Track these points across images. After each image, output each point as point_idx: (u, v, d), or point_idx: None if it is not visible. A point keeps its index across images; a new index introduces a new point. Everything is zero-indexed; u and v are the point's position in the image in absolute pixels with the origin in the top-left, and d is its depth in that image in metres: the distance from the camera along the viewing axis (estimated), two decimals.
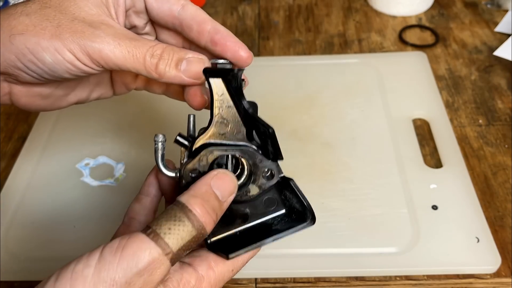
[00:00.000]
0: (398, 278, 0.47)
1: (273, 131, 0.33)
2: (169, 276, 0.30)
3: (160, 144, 0.35)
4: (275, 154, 0.34)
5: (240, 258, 0.33)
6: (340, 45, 0.74)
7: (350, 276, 0.47)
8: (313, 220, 0.34)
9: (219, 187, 0.31)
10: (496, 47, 0.67)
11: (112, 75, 0.41)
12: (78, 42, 0.32)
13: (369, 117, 0.61)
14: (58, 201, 0.55)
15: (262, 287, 0.48)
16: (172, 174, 0.35)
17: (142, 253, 0.27)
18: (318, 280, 0.47)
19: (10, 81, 0.35)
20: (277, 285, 0.48)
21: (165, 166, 0.35)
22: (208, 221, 0.30)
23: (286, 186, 0.35)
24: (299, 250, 0.49)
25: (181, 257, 0.29)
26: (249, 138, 0.34)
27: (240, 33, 0.77)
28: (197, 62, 0.34)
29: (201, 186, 0.31)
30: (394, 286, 0.47)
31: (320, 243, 0.49)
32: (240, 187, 0.34)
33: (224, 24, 0.79)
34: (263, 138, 0.34)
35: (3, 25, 0.33)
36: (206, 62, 0.35)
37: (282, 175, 0.35)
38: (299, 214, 0.35)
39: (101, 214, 0.53)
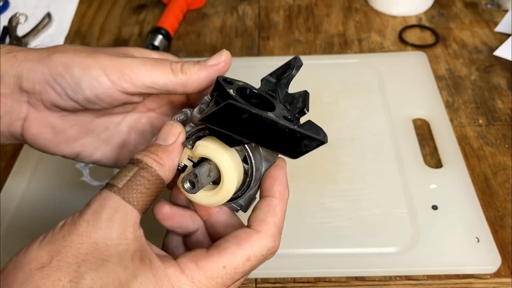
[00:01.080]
0: (398, 278, 0.47)
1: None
2: (155, 262, 0.30)
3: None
4: None
5: (238, 256, 0.31)
6: (340, 45, 0.74)
7: (350, 276, 0.47)
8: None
9: (160, 136, 0.33)
10: (496, 47, 0.67)
11: (126, 145, 0.41)
12: (110, 60, 0.35)
13: (369, 117, 0.61)
14: (58, 201, 0.55)
15: (262, 287, 0.48)
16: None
17: (93, 197, 0.31)
18: (318, 280, 0.47)
19: (32, 102, 0.36)
20: (277, 285, 0.48)
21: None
22: (148, 160, 0.32)
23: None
24: (299, 250, 0.49)
25: (144, 203, 0.31)
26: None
27: (240, 33, 0.77)
28: (217, 54, 0.36)
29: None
30: (394, 286, 0.47)
31: (320, 243, 0.49)
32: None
33: (224, 24, 0.79)
34: None
35: (49, 48, 0.36)
36: (226, 52, 0.37)
37: None
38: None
39: None
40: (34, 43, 0.77)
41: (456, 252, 0.48)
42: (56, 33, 0.79)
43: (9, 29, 0.78)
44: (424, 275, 0.47)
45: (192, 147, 0.33)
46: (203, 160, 0.33)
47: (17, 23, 0.80)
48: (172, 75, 0.35)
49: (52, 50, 0.36)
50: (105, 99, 0.35)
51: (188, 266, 0.30)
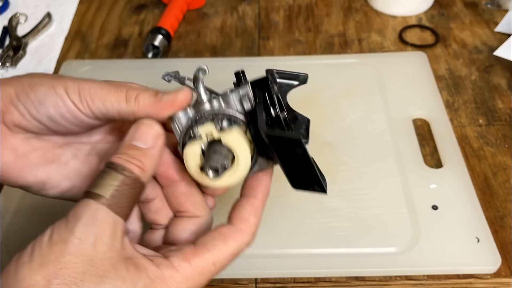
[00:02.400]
0: (398, 278, 0.47)
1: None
2: (145, 264, 0.30)
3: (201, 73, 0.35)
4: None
5: (224, 251, 0.33)
6: (340, 45, 0.74)
7: (350, 276, 0.47)
8: None
9: (137, 136, 0.33)
10: (496, 47, 0.67)
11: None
12: (73, 81, 0.34)
13: (369, 117, 0.61)
14: (58, 201, 0.54)
15: (262, 287, 0.48)
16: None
17: (79, 208, 0.30)
18: (318, 280, 0.47)
19: None
20: (277, 285, 0.48)
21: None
22: (131, 166, 0.32)
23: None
24: (299, 250, 0.49)
25: (128, 211, 0.31)
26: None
27: (240, 33, 0.77)
28: (174, 92, 0.35)
29: (121, 144, 0.33)
30: (394, 286, 0.47)
31: (320, 243, 0.49)
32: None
33: (224, 24, 0.79)
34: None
35: (24, 74, 0.35)
36: (185, 90, 0.35)
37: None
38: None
39: None
40: (34, 43, 0.77)
41: (456, 252, 0.48)
42: (56, 33, 0.79)
43: (9, 29, 0.78)
44: (424, 275, 0.47)
45: (219, 128, 0.34)
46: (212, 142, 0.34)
47: (17, 23, 0.80)
48: (125, 103, 0.34)
49: (24, 75, 0.35)
50: (69, 119, 0.35)
51: (182, 265, 0.31)
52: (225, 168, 0.33)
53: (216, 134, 0.34)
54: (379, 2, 0.79)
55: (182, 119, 0.34)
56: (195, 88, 0.35)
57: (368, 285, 0.47)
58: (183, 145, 0.34)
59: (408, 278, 0.47)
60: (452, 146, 0.57)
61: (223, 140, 0.33)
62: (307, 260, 0.48)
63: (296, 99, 0.64)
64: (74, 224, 0.29)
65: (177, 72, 0.37)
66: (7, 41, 0.77)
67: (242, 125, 0.34)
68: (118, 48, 0.75)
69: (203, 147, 0.34)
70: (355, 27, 0.77)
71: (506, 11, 0.77)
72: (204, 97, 0.34)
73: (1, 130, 0.35)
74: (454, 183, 0.53)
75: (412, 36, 0.74)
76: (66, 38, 0.78)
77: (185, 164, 0.34)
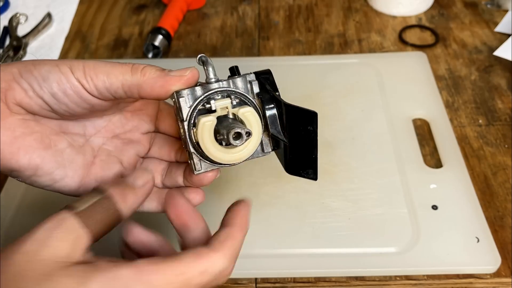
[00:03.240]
0: (398, 278, 0.47)
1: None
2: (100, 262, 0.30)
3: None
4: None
5: (189, 263, 0.31)
6: (340, 45, 0.74)
7: (350, 276, 0.47)
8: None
9: (130, 176, 0.35)
10: (496, 47, 0.67)
11: (91, 166, 0.40)
12: (79, 61, 0.35)
13: (369, 117, 0.61)
14: (59, 201, 0.54)
15: (262, 287, 0.48)
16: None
17: (51, 216, 0.31)
18: (318, 280, 0.47)
19: None
20: (277, 285, 0.48)
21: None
22: (113, 192, 0.33)
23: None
24: (299, 250, 0.49)
25: (99, 230, 0.31)
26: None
27: (240, 33, 0.77)
28: (187, 69, 0.35)
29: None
30: (394, 286, 0.47)
31: (320, 243, 0.49)
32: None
33: (224, 24, 0.79)
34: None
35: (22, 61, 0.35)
36: (194, 68, 0.36)
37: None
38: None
39: None
40: (35, 43, 0.77)
41: (456, 252, 0.48)
42: (56, 33, 0.79)
43: (9, 29, 0.78)
44: (424, 275, 0.47)
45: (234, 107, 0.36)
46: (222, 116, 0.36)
47: (17, 23, 0.80)
48: (130, 74, 0.34)
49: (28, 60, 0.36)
50: (72, 97, 0.35)
51: (145, 268, 0.29)
52: (249, 135, 0.34)
53: (232, 109, 0.35)
54: (379, 2, 0.79)
55: (191, 95, 0.35)
56: (205, 69, 0.36)
57: (368, 285, 0.47)
58: (193, 120, 0.35)
59: (408, 278, 0.47)
60: (452, 146, 0.57)
61: (240, 115, 0.35)
62: (307, 260, 0.48)
63: (296, 99, 0.64)
64: (38, 228, 0.29)
65: None
66: (7, 41, 0.77)
67: (252, 105, 0.36)
68: (118, 48, 0.75)
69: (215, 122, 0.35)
70: (355, 27, 0.77)
71: (506, 11, 0.77)
72: (214, 77, 0.36)
73: (1, 109, 0.34)
74: (454, 183, 0.53)
75: (412, 36, 0.74)
76: (66, 38, 0.78)
77: (199, 136, 0.35)
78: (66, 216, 0.30)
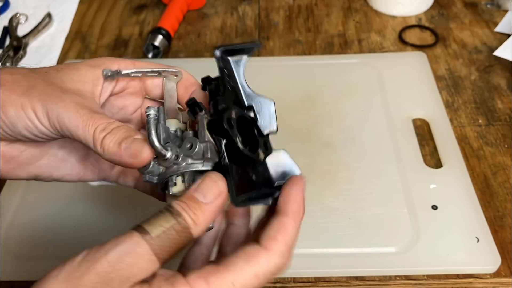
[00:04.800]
0: (398, 278, 0.47)
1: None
2: (158, 282, 0.30)
3: (153, 115, 0.33)
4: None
5: (248, 272, 0.31)
6: (340, 45, 0.74)
7: (350, 276, 0.47)
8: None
9: (200, 189, 0.32)
10: (496, 47, 0.67)
11: (87, 159, 0.40)
12: (42, 102, 0.33)
13: (369, 117, 0.61)
14: (58, 201, 0.55)
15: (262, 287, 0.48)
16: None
17: (122, 236, 0.29)
18: (318, 280, 0.47)
19: None
20: (277, 285, 0.48)
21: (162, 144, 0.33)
22: (186, 216, 0.31)
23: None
24: (299, 250, 0.49)
25: (168, 257, 0.30)
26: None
27: (240, 33, 0.77)
28: (140, 143, 0.33)
29: (186, 192, 0.32)
30: (394, 286, 0.47)
31: (320, 243, 0.49)
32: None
33: (224, 24, 0.79)
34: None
35: None
36: (147, 148, 0.33)
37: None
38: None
39: (101, 214, 0.53)
40: (35, 43, 0.77)
41: (455, 252, 0.48)
42: (56, 33, 0.79)
43: (9, 29, 0.78)
44: (424, 275, 0.47)
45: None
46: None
47: (18, 23, 0.80)
48: (92, 144, 0.34)
49: None
50: (43, 138, 0.35)
51: (197, 282, 0.29)
52: None
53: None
54: (379, 2, 0.79)
55: (152, 174, 0.34)
56: (150, 139, 0.33)
57: (368, 285, 0.47)
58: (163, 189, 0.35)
59: (408, 278, 0.47)
60: (452, 146, 0.57)
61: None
62: (307, 260, 0.48)
63: (297, 99, 0.65)
64: (111, 248, 0.29)
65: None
66: (7, 41, 0.77)
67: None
68: (118, 48, 0.75)
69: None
70: (355, 27, 0.77)
71: (506, 11, 0.77)
72: (164, 153, 0.33)
73: None
74: (454, 183, 0.53)
75: (412, 36, 0.74)
76: (66, 38, 0.78)
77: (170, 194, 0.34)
78: (139, 242, 0.29)
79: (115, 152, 0.33)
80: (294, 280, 0.47)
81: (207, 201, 0.32)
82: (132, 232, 0.30)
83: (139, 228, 0.30)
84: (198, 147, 0.33)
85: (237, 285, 0.30)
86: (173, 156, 0.33)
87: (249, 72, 0.37)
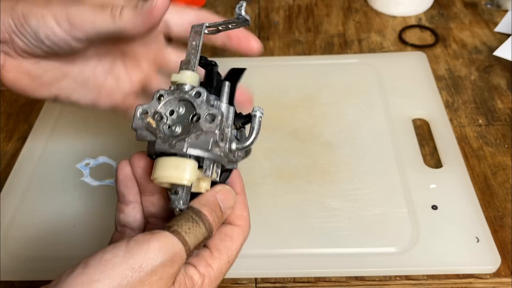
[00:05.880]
0: (398, 278, 0.47)
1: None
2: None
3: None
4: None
5: (233, 248, 0.35)
6: (340, 45, 0.74)
7: (350, 276, 0.47)
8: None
9: (223, 201, 0.35)
10: (496, 47, 0.67)
11: (103, 86, 0.43)
12: (61, 8, 0.36)
13: (369, 117, 0.61)
14: (58, 201, 0.55)
15: (262, 287, 0.48)
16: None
17: (167, 246, 0.30)
18: (318, 280, 0.47)
19: (6, 50, 0.39)
20: (277, 285, 0.48)
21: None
22: (214, 226, 0.34)
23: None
24: (299, 250, 0.49)
25: (192, 255, 0.33)
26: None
27: None
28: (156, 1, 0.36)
29: (209, 197, 0.34)
30: (394, 286, 0.47)
31: (320, 243, 0.49)
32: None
33: None
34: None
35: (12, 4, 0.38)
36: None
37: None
38: None
39: (101, 214, 0.53)
40: None
41: (455, 252, 0.48)
42: None
43: None
44: (424, 275, 0.47)
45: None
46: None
47: None
48: (111, 22, 0.36)
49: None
50: (63, 46, 0.38)
51: (208, 271, 0.33)
52: None
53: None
54: (379, 2, 0.79)
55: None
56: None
57: (368, 285, 0.47)
58: None
59: (408, 278, 0.47)
60: (452, 146, 0.57)
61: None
62: (307, 260, 0.48)
63: (297, 99, 0.65)
64: (148, 247, 0.30)
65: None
66: None
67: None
68: None
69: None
70: (355, 27, 0.77)
71: (506, 11, 0.77)
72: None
73: (14, 57, 0.39)
74: (453, 183, 0.53)
75: (412, 36, 0.74)
76: None
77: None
78: (181, 255, 0.31)
79: (136, 15, 0.36)
80: (294, 280, 0.47)
81: (226, 212, 0.35)
82: (176, 244, 0.31)
83: (182, 238, 0.31)
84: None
85: (231, 261, 0.35)
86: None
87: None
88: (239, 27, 0.37)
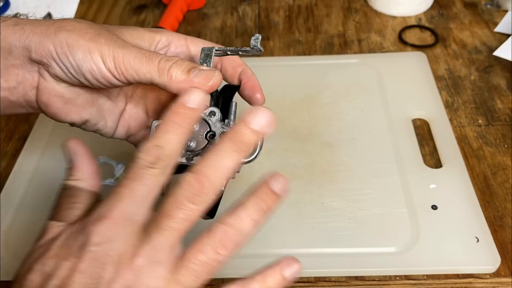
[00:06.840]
0: (398, 278, 0.47)
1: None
2: None
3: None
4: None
5: None
6: (340, 45, 0.74)
7: (350, 276, 0.47)
8: None
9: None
10: (496, 47, 0.67)
11: (123, 115, 0.44)
12: (109, 47, 0.37)
13: (369, 117, 0.61)
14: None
15: None
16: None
17: None
18: (318, 280, 0.47)
19: (41, 73, 0.39)
20: None
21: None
22: None
23: None
24: (298, 250, 0.49)
25: None
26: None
27: (240, 34, 0.77)
28: (210, 70, 0.37)
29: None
30: (394, 286, 0.47)
31: (320, 243, 0.49)
32: None
33: (224, 24, 0.79)
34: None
35: (55, 22, 0.38)
36: (218, 71, 0.37)
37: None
38: None
39: None
40: None
41: (455, 252, 0.48)
42: None
43: None
44: (423, 275, 0.47)
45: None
46: None
47: None
48: (157, 75, 0.37)
49: (58, 25, 0.37)
50: (103, 83, 0.38)
51: None
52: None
53: None
54: (379, 3, 0.79)
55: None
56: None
57: (367, 285, 0.47)
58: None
59: (407, 277, 0.47)
60: (452, 146, 0.57)
61: None
62: (307, 260, 0.48)
63: (296, 99, 0.65)
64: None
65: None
66: None
67: None
68: None
69: None
70: (354, 28, 0.77)
71: (506, 11, 0.77)
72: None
73: (48, 80, 0.39)
74: (453, 183, 0.53)
75: (412, 36, 0.75)
76: None
77: None
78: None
79: (184, 79, 0.36)
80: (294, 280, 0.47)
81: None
82: None
83: None
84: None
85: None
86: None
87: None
88: (250, 55, 0.39)
